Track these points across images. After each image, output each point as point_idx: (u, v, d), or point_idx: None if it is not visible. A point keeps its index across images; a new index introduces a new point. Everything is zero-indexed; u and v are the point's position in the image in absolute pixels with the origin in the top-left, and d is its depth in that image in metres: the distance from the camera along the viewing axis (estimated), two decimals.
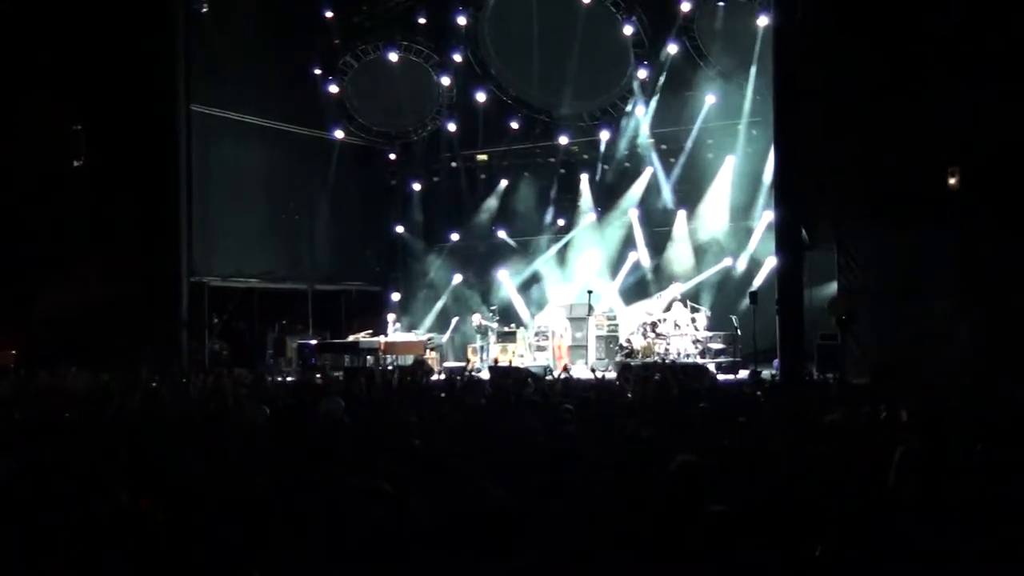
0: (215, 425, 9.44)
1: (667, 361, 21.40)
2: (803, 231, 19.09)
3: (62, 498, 5.58)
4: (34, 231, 22.43)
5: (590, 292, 24.24)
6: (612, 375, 18.57)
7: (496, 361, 22.93)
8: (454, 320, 27.31)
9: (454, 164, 29.21)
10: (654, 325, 23.50)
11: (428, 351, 24.83)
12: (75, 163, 22.75)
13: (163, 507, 5.26)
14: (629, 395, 12.90)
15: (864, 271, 19.09)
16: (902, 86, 18.00)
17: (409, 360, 23.51)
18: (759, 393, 12.34)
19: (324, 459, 7.50)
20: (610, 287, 26.41)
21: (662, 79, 25.53)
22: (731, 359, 22.20)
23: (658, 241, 26.48)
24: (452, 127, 28.30)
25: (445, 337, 27.19)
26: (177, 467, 6.82)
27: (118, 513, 5.21)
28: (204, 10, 23.35)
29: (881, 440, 7.17)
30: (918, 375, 13.37)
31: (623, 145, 26.84)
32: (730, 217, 25.29)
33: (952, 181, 17.59)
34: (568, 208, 27.88)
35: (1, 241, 22.15)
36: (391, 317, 25.93)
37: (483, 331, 25.02)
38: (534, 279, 27.66)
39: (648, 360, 22.01)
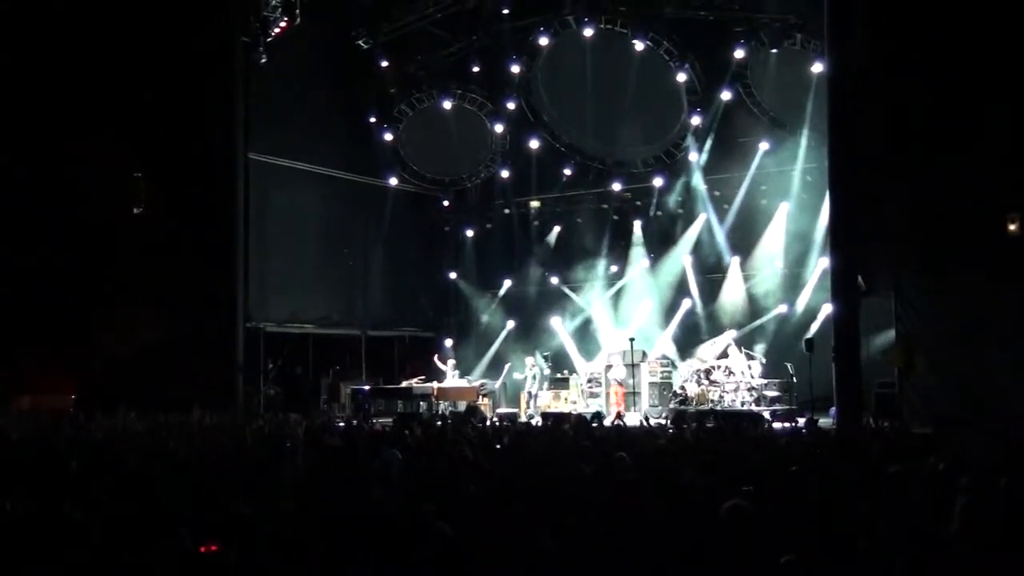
0: (273, 468, 9.49)
1: (721, 408, 21.23)
2: (859, 278, 18.86)
3: (130, 543, 5.62)
4: (94, 277, 22.81)
5: (632, 340, 24.17)
6: (659, 422, 18.38)
7: (548, 407, 22.85)
8: (506, 366, 27.30)
9: (507, 211, 29.38)
10: (708, 372, 23.30)
11: (481, 397, 24.81)
12: (135, 210, 23.15)
13: (229, 548, 5.29)
14: (682, 442, 12.75)
15: (922, 319, 18.81)
16: (959, 132, 17.81)
17: (462, 406, 23.52)
18: (817, 442, 12.16)
19: (379, 502, 7.51)
20: (663, 334, 26.27)
21: (715, 126, 25.50)
22: (787, 407, 21.89)
23: (711, 288, 26.35)
24: (505, 174, 28.48)
25: (498, 383, 27.17)
26: (238, 509, 6.85)
27: (186, 557, 5.25)
28: (263, 60, 23.76)
29: (943, 491, 7.03)
30: (982, 427, 13.08)
31: (676, 192, 26.83)
32: (784, 264, 25.10)
33: (1012, 227, 17.34)
34: (621, 254, 27.84)
35: (61, 286, 22.55)
36: (451, 363, 25.94)
37: (535, 376, 24.92)
38: (587, 325, 27.60)
39: (702, 407, 21.81)
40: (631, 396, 24.32)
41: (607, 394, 24.44)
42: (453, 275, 30.08)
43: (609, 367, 24.75)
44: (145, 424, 15.58)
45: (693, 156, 26.05)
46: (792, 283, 24.82)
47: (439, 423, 17.71)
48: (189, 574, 5.15)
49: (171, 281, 22.49)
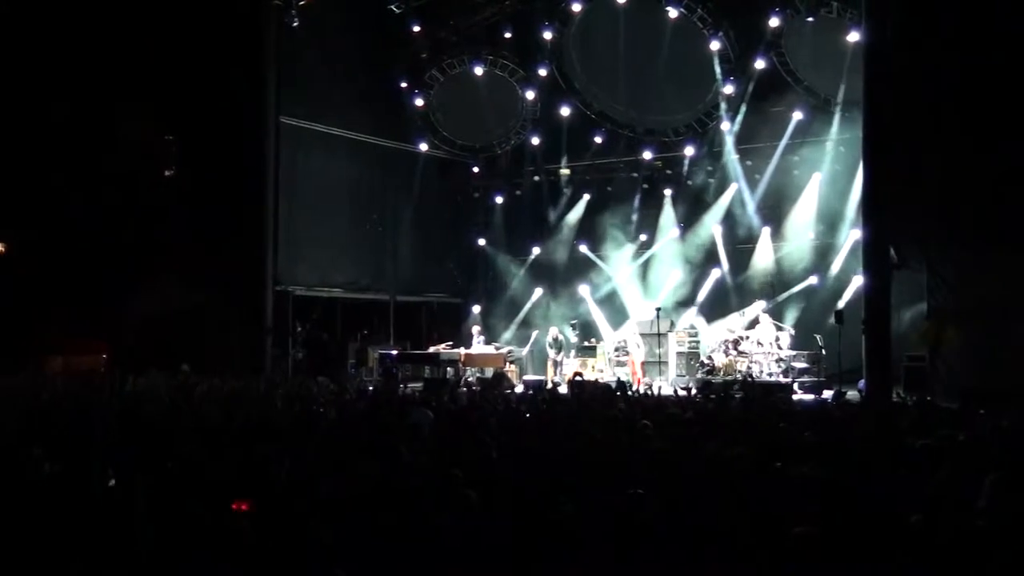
0: (301, 429, 9.57)
1: (748, 379, 21.19)
2: (892, 250, 18.69)
3: (156, 502, 5.69)
4: (125, 238, 22.98)
5: (658, 310, 24.13)
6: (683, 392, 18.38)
7: (576, 376, 22.88)
8: (534, 334, 27.33)
9: (537, 178, 29.28)
10: (736, 343, 23.24)
11: (508, 364, 24.88)
12: (167, 172, 23.28)
13: (252, 509, 5.35)
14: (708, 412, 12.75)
15: (955, 292, 18.65)
16: (994, 102, 17.58)
17: (489, 373, 23.63)
18: (844, 415, 12.13)
19: (406, 467, 7.56)
20: (692, 303, 26.21)
21: (748, 95, 25.23)
22: (815, 379, 21.82)
23: (741, 258, 26.21)
24: (536, 141, 28.38)
25: (525, 351, 27.22)
26: (266, 469, 6.93)
27: (213, 515, 5.31)
28: (295, 24, 23.73)
29: (971, 465, 7.00)
30: (1011, 401, 12.98)
31: (708, 161, 26.65)
32: (816, 235, 24.94)
33: None
34: (651, 223, 27.70)
35: (93, 248, 22.72)
36: (475, 330, 26.05)
37: (558, 345, 24.95)
38: (615, 294, 27.56)
39: (729, 378, 21.76)
40: (655, 366, 24.29)
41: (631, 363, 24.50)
42: (482, 241, 30.07)
43: (636, 344, 24.76)
44: (175, 385, 15.74)
45: (725, 125, 25.82)
46: (823, 254, 24.66)
47: (465, 390, 17.82)
48: (220, 533, 5.21)
49: (201, 244, 22.60)
